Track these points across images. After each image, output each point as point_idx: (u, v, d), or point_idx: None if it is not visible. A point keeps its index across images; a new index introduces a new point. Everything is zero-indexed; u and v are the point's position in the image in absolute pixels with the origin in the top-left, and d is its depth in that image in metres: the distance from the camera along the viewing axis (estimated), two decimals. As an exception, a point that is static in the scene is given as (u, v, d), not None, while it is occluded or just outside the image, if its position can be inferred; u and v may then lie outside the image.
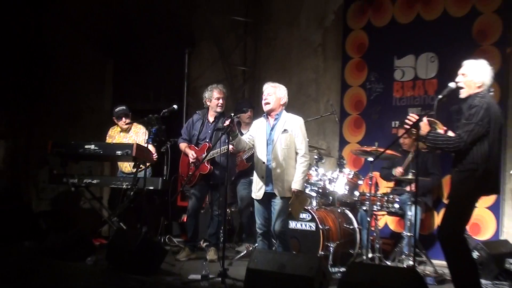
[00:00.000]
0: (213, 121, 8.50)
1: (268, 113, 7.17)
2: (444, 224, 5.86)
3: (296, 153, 7.05)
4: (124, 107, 9.78)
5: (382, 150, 7.56)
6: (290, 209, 7.09)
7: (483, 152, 5.67)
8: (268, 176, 7.03)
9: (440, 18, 9.29)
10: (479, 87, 5.83)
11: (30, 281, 7.79)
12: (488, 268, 7.36)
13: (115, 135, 9.88)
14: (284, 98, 7.20)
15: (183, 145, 8.59)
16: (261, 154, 7.14)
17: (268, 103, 7.11)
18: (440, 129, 5.94)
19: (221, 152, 8.02)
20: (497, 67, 8.36)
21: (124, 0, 12.98)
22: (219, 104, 8.44)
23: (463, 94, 5.89)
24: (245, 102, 10.00)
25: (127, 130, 9.74)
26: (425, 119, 5.86)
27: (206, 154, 8.12)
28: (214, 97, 8.45)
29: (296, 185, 6.96)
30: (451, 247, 5.78)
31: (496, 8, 8.77)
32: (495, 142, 5.79)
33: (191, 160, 8.40)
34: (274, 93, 7.13)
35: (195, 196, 8.43)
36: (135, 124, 9.60)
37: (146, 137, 8.45)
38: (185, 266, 7.48)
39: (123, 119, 9.69)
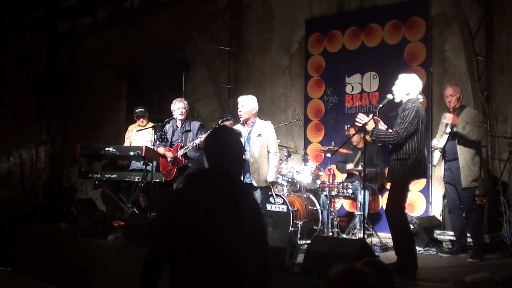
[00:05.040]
0: (181, 126, 8.25)
1: (245, 122, 7.07)
2: (389, 204, 5.85)
3: (268, 152, 6.97)
4: (142, 109, 9.73)
5: (337, 148, 7.56)
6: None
7: (414, 145, 5.70)
8: (246, 171, 6.94)
9: (380, 45, 9.26)
10: (407, 94, 5.87)
11: (66, 253, 7.87)
12: (421, 238, 7.34)
13: (132, 130, 9.76)
14: (255, 108, 7.06)
15: (161, 149, 8.21)
16: None
17: (241, 115, 7.02)
18: (382, 126, 5.92)
19: (192, 146, 7.88)
20: (423, 83, 8.36)
21: (134, 35, 12.95)
22: (180, 113, 8.19)
23: (396, 98, 5.92)
24: (227, 112, 9.89)
25: (141, 129, 9.60)
26: (371, 116, 5.87)
27: (180, 150, 8.01)
28: (176, 108, 8.23)
29: (270, 177, 6.94)
30: (395, 221, 5.78)
31: (421, 38, 8.76)
32: (423, 137, 5.83)
33: (169, 159, 8.13)
34: (246, 105, 7.01)
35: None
36: (148, 126, 9.43)
37: (153, 139, 8.44)
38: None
39: (141, 119, 9.62)
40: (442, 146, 6.77)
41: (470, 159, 6.59)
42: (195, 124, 8.22)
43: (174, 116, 8.32)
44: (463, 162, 6.57)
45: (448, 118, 6.64)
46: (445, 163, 6.86)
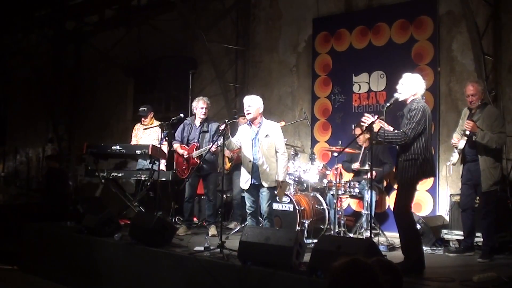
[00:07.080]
0: (199, 125, 8.35)
1: (252, 121, 7.09)
2: (397, 203, 5.82)
3: (276, 152, 7.01)
4: (144, 109, 9.63)
5: (342, 148, 7.59)
6: (276, 195, 7.17)
7: (422, 145, 5.69)
8: (255, 172, 6.99)
9: (387, 44, 9.25)
10: (414, 94, 5.85)
11: (72, 251, 7.89)
12: (428, 237, 7.34)
13: (139, 128, 9.73)
14: (261, 107, 7.11)
15: (177, 145, 8.39)
16: (248, 153, 7.08)
17: (249, 113, 7.02)
18: (388, 127, 5.92)
19: (209, 150, 7.77)
20: (431, 82, 8.45)
21: (142, 34, 12.98)
22: (203, 112, 8.28)
23: (401, 97, 5.89)
24: (240, 112, 9.92)
25: (148, 127, 9.56)
26: (376, 117, 5.86)
27: (196, 152, 8.13)
28: (199, 107, 8.29)
29: (280, 177, 6.98)
30: (402, 221, 5.78)
31: (429, 37, 8.76)
32: (430, 137, 5.84)
33: (185, 156, 8.26)
34: (253, 104, 7.04)
35: (190, 185, 8.28)
36: (155, 124, 9.42)
37: (160, 137, 8.43)
38: (191, 240, 7.36)
39: (142, 119, 9.61)
40: (461, 147, 6.71)
41: (490, 163, 6.50)
42: (213, 125, 8.27)
43: (194, 114, 8.38)
44: (483, 165, 6.50)
45: (467, 125, 6.57)
46: (464, 164, 6.81)
